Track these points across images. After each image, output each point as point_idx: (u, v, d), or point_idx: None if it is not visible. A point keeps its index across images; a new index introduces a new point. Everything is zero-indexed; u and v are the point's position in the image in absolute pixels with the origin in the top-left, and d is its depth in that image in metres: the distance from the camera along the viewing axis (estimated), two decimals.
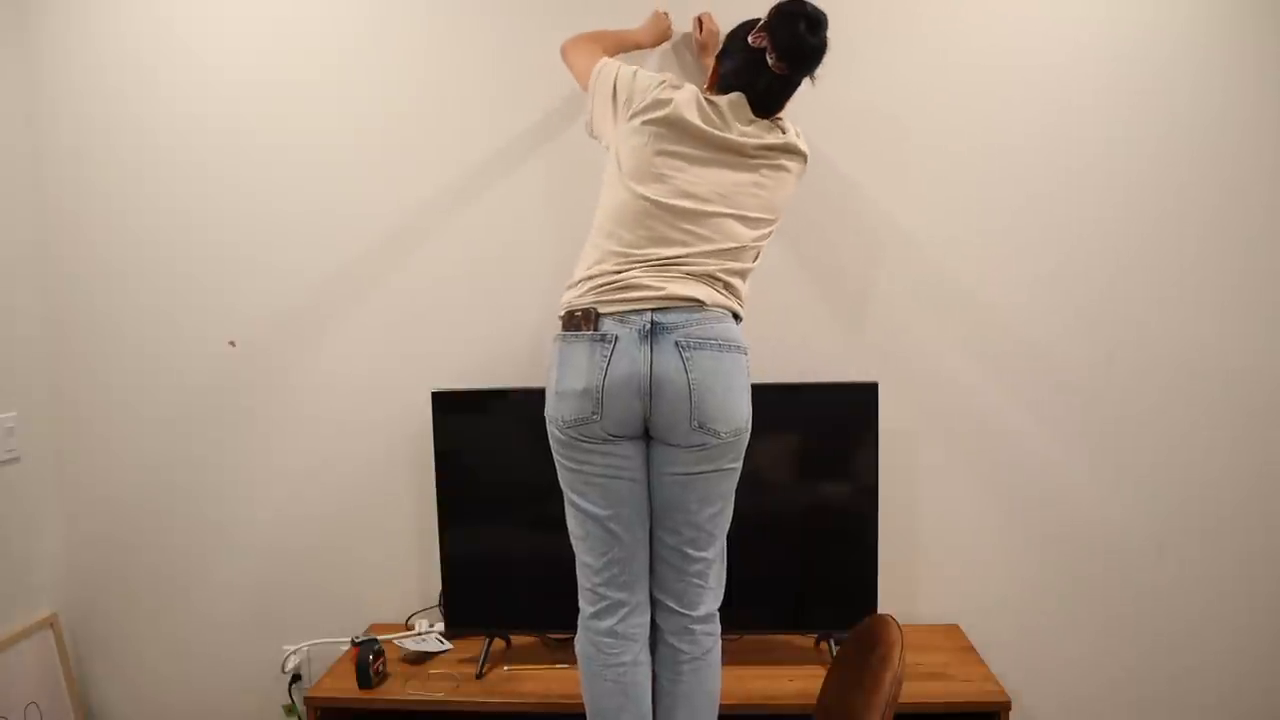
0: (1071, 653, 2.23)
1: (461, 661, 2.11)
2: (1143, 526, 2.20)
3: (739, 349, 1.62)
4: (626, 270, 1.61)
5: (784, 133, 1.71)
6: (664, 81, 1.69)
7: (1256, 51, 2.08)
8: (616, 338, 1.57)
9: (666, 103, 1.65)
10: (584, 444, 1.62)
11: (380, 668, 2.02)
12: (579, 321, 1.61)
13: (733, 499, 1.69)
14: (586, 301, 1.61)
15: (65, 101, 2.27)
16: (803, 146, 1.73)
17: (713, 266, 1.63)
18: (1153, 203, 2.13)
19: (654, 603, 1.69)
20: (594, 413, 1.59)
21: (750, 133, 1.67)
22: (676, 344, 1.57)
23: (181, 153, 2.26)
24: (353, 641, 2.08)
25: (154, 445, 2.33)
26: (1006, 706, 1.86)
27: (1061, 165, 2.13)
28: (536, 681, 2.01)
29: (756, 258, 1.73)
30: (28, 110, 2.28)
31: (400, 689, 1.99)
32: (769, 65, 1.63)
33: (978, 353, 2.19)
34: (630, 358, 1.57)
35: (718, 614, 1.72)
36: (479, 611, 2.12)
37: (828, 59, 1.63)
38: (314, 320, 2.28)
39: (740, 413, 1.61)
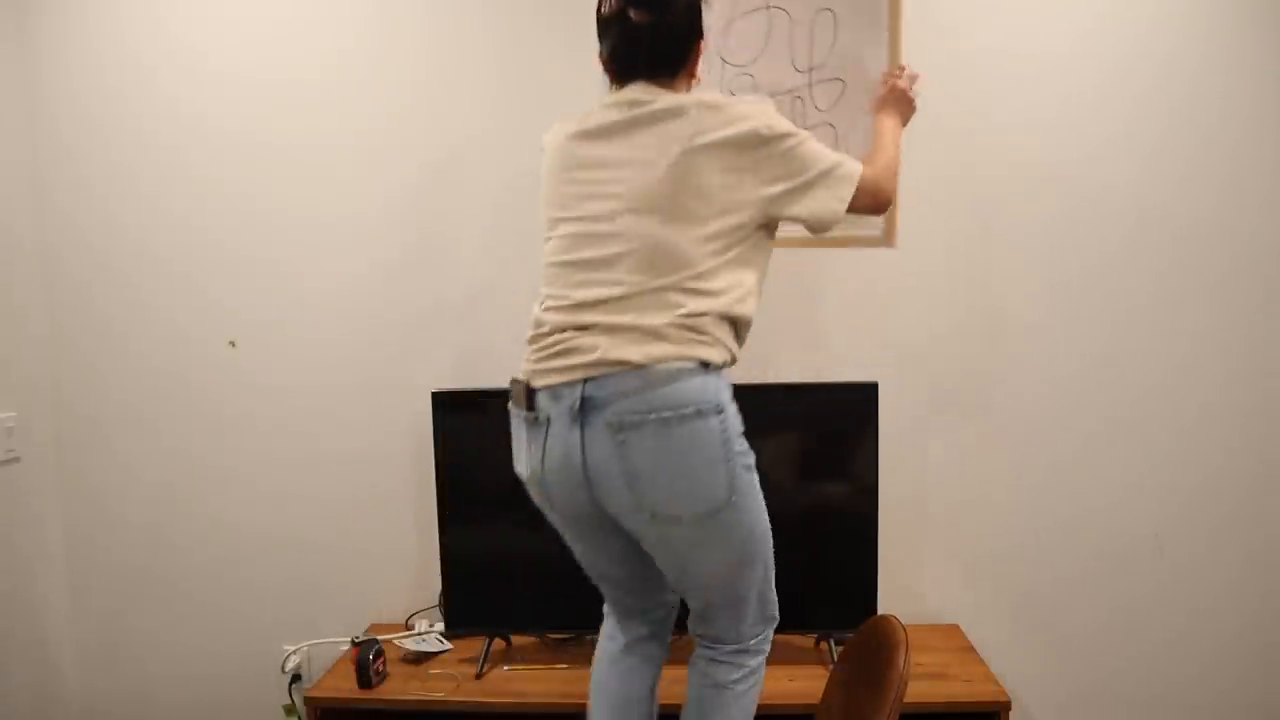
0: (1071, 653, 2.23)
1: (461, 661, 2.11)
2: (1142, 526, 2.20)
3: (699, 413, 1.32)
4: (553, 329, 1.41)
5: (664, 96, 1.42)
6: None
7: (1256, 49, 2.08)
8: (550, 419, 1.39)
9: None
10: (553, 515, 1.52)
11: (380, 668, 2.01)
12: (517, 395, 1.44)
13: (741, 552, 1.42)
14: (524, 370, 1.45)
15: (64, 101, 2.27)
16: (688, 101, 1.40)
17: (647, 299, 1.35)
18: (1152, 199, 2.13)
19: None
20: (544, 500, 1.47)
21: (618, 103, 1.43)
22: (608, 424, 1.33)
23: (181, 153, 2.26)
24: (353, 641, 2.08)
25: (153, 445, 2.33)
26: (1006, 706, 1.87)
27: (1061, 163, 2.13)
28: (536, 681, 2.00)
29: (744, 266, 1.42)
30: (27, 110, 2.27)
31: (400, 689, 1.99)
32: (616, 17, 1.43)
33: (978, 352, 2.19)
34: (565, 443, 1.37)
35: (752, 649, 1.51)
36: (479, 611, 2.12)
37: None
38: (314, 320, 2.28)
39: (706, 492, 1.34)
